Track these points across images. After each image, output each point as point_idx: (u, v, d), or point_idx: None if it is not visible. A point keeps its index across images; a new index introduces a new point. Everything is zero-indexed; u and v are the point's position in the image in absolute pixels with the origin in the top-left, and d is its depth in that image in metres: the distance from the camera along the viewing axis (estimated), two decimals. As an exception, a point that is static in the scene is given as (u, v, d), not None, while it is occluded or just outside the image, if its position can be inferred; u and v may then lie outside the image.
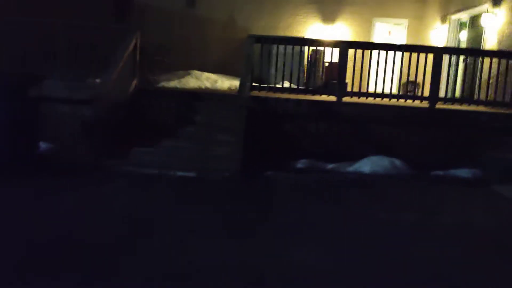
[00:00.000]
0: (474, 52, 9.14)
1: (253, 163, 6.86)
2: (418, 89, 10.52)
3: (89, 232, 4.37)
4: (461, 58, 9.62)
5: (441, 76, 8.40)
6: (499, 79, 8.22)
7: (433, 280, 3.72)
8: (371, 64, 8.03)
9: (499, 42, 9.15)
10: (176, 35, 12.37)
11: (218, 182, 6.46)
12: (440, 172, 7.43)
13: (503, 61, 8.11)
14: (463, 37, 10.99)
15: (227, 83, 11.27)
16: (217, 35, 12.64)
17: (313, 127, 7.96)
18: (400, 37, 12.77)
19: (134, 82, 8.40)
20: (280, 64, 8.18)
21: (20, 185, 5.70)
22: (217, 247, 4.13)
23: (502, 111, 8.04)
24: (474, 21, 10.49)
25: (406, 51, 8.09)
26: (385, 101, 8.18)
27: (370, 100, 8.26)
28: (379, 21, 12.92)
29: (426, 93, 8.10)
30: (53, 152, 7.18)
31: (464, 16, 10.87)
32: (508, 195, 6.45)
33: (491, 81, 8.13)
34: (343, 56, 7.91)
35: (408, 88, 11.21)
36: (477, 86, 8.90)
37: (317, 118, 7.96)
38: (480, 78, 8.42)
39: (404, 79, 10.61)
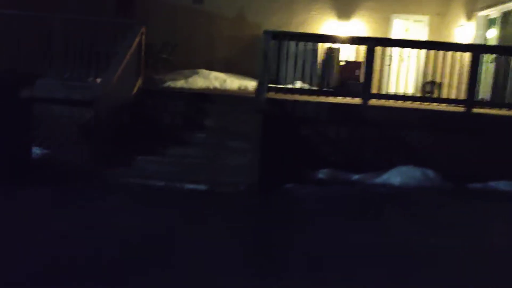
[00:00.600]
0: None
1: (270, 174, 6.12)
2: (442, 90, 9.92)
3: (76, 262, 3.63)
4: (490, 57, 8.88)
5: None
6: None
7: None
8: (391, 64, 7.37)
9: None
10: (182, 32, 11.70)
11: (233, 196, 5.75)
12: (478, 185, 6.73)
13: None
14: (492, 35, 10.23)
15: (236, 82, 10.65)
16: (225, 32, 12.03)
17: (334, 132, 7.24)
18: (420, 35, 12.00)
19: (138, 82, 7.67)
20: (292, 62, 7.52)
21: (6, 197, 5.01)
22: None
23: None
24: (505, 18, 9.74)
25: (441, 49, 7.38)
26: (415, 104, 7.43)
27: (396, 102, 7.49)
28: (398, 17, 12.19)
29: (453, 95, 7.38)
30: (47, 159, 6.53)
31: (493, 12, 10.13)
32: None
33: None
34: (370, 53, 7.15)
35: (428, 89, 10.53)
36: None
37: (339, 123, 7.23)
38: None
39: (428, 79, 9.92)
